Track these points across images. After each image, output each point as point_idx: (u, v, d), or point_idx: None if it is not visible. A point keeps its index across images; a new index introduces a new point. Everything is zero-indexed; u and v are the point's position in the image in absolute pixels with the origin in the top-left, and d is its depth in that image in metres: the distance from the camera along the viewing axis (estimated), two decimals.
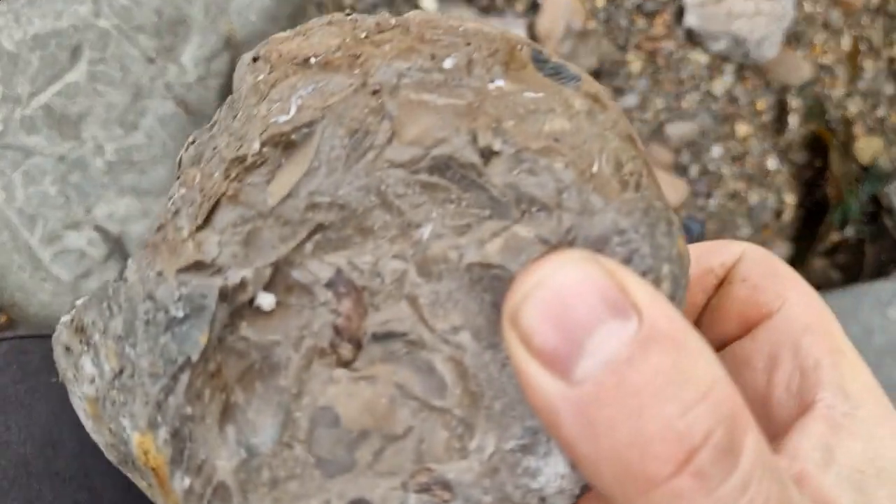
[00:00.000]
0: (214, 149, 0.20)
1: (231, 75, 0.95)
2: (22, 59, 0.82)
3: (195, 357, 0.18)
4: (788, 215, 1.11)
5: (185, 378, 0.19)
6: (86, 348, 0.21)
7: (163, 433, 0.19)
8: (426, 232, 0.19)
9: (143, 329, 0.19)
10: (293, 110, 0.19)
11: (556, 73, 0.20)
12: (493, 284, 0.18)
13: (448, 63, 0.19)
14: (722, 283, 0.25)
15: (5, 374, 0.42)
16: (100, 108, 0.84)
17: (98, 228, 0.83)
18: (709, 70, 1.03)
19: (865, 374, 0.22)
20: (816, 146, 1.13)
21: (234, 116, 0.20)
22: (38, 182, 0.82)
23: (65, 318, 0.22)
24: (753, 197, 1.04)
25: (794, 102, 1.10)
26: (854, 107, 1.16)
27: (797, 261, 1.13)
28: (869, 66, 1.15)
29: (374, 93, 0.19)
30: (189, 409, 0.19)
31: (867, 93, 1.17)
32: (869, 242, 1.18)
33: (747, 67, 1.05)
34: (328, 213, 0.19)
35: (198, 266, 0.19)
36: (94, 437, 0.21)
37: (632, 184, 0.19)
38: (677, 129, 0.99)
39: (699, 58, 1.03)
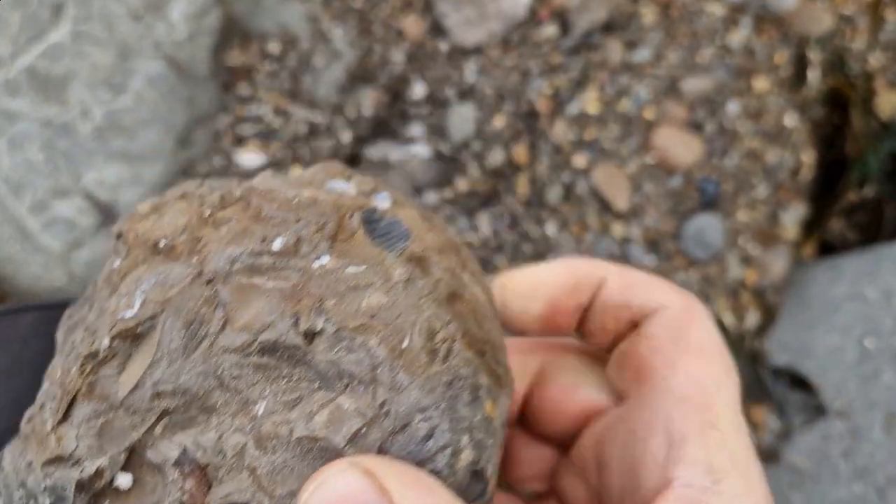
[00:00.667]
0: (73, 343, 0.22)
1: (222, 31, 0.88)
2: (2, 18, 0.77)
3: None
4: (806, 174, 1.07)
5: None
6: None
7: None
8: (261, 408, 0.21)
9: None
10: (137, 305, 0.21)
11: (386, 234, 0.22)
12: (321, 454, 0.20)
13: (277, 244, 0.21)
14: (637, 324, 0.25)
15: (32, 346, 0.41)
16: (86, 70, 0.80)
17: (88, 196, 0.80)
18: (725, 22, 0.97)
19: (736, 446, 0.22)
20: (836, 101, 1.08)
21: (90, 307, 0.22)
22: (24, 149, 0.78)
23: None
24: (770, 155, 1.00)
25: (813, 55, 1.04)
26: (875, 60, 1.11)
27: (814, 221, 1.09)
28: (891, 16, 1.10)
29: (209, 282, 0.21)
30: None
31: (889, 45, 1.11)
32: (888, 201, 1.13)
33: (765, 18, 1.00)
34: (172, 398, 0.21)
35: (59, 459, 0.21)
36: None
37: (441, 353, 0.21)
38: (692, 85, 0.94)
39: (715, 9, 0.97)
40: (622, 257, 0.90)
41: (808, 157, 1.07)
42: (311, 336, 0.20)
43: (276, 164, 0.87)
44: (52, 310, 0.45)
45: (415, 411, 0.20)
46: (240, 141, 0.87)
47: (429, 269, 0.22)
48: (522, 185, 0.91)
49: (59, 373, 0.22)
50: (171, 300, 0.21)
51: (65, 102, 0.79)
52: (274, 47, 0.88)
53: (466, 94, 0.92)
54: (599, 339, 0.28)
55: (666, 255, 0.92)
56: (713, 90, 0.95)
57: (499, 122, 0.92)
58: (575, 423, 0.28)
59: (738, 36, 0.97)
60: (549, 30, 0.92)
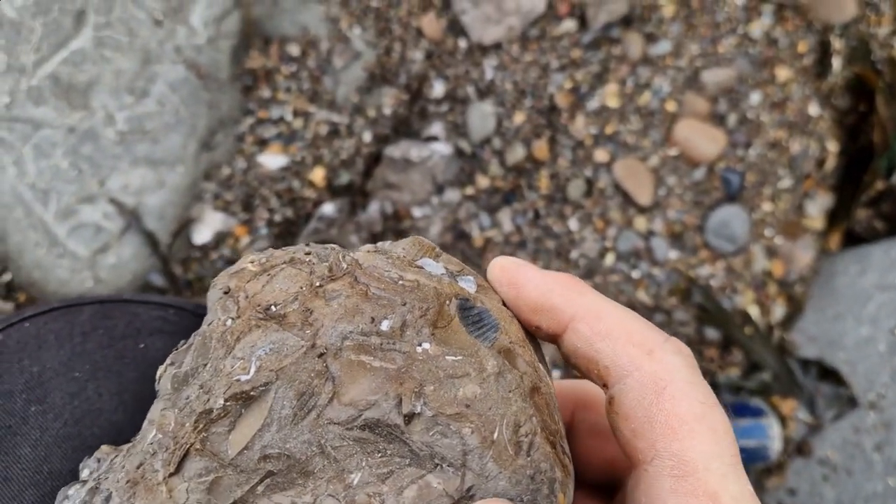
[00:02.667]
0: (187, 399, 0.23)
1: (242, 34, 0.87)
2: (24, 26, 0.77)
3: None
4: (831, 164, 1.04)
5: None
6: None
7: None
8: (356, 478, 0.22)
9: None
10: (253, 370, 0.22)
11: (478, 323, 0.24)
12: None
13: (385, 325, 0.23)
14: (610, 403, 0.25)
15: (92, 340, 0.41)
16: (108, 76, 0.79)
17: (113, 201, 0.79)
18: (746, 11, 0.95)
19: None
20: (861, 89, 1.05)
21: (205, 365, 0.23)
22: (49, 155, 0.78)
23: None
24: (795, 145, 0.97)
25: (837, 43, 1.02)
26: None
27: (840, 211, 1.06)
28: None
29: (321, 356, 0.22)
30: None
31: None
32: None
33: (787, 7, 0.98)
34: (277, 462, 0.22)
35: None
36: None
37: (525, 447, 0.23)
38: (714, 76, 0.92)
39: None
40: (646, 251, 0.89)
41: (833, 147, 1.04)
42: (409, 417, 0.22)
43: (298, 165, 0.86)
44: (109, 303, 0.44)
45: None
46: (262, 143, 0.86)
47: (515, 363, 0.24)
48: (544, 180, 0.89)
49: (173, 425, 0.23)
50: (285, 369, 0.22)
51: (88, 108, 0.79)
52: (294, 49, 0.88)
53: (486, 91, 0.91)
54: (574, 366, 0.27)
55: (691, 248, 0.90)
56: (735, 81, 0.93)
57: (519, 118, 0.90)
58: (604, 475, 0.28)
59: (760, 25, 0.95)
60: (568, 24, 0.91)
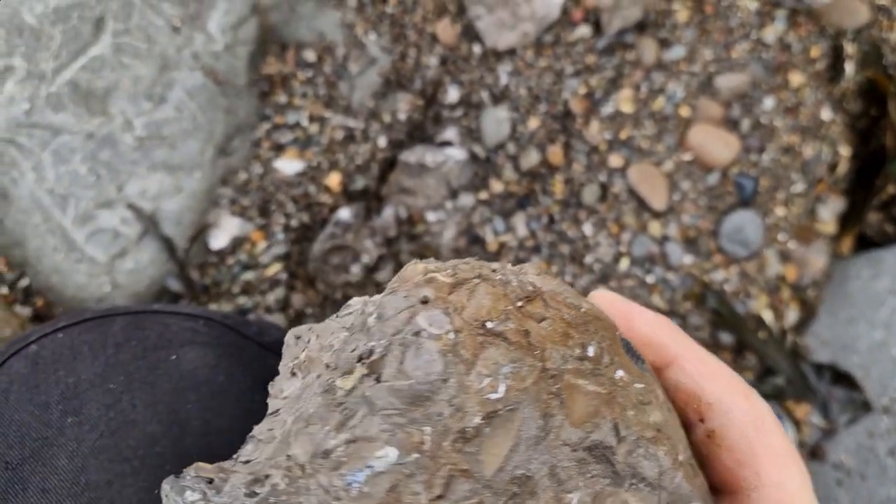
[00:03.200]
0: (440, 416, 0.22)
1: (259, 40, 0.87)
2: (44, 33, 0.77)
3: None
4: (843, 168, 1.04)
5: None
6: None
7: None
8: (574, 499, 0.22)
9: None
10: (502, 389, 0.22)
11: (630, 352, 0.25)
12: None
13: (590, 351, 0.23)
14: (711, 434, 0.27)
15: (125, 351, 0.41)
16: (126, 82, 0.79)
17: (131, 206, 0.79)
18: (759, 16, 0.95)
19: None
20: (873, 94, 1.05)
21: (445, 381, 0.22)
22: (68, 161, 0.78)
23: None
24: (807, 150, 0.97)
25: (849, 48, 1.01)
26: None
27: (852, 215, 1.06)
28: None
29: (552, 377, 0.22)
30: None
31: None
32: None
33: (800, 12, 0.97)
34: (519, 483, 0.22)
35: None
36: None
37: (695, 467, 0.25)
38: (727, 81, 0.91)
39: (749, 3, 0.95)
40: (661, 255, 0.88)
41: (846, 151, 1.04)
42: (620, 440, 0.23)
43: (314, 170, 0.86)
44: (142, 314, 0.44)
45: None
46: (278, 148, 0.86)
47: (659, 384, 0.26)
48: (558, 185, 0.89)
49: (429, 443, 0.22)
50: (528, 390, 0.22)
51: (107, 115, 0.79)
52: (310, 55, 0.88)
53: (501, 96, 0.90)
54: None
55: (705, 252, 0.89)
56: (749, 86, 0.93)
57: (533, 123, 0.90)
58: None
59: (773, 30, 0.95)
60: (583, 30, 0.90)
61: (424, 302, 0.22)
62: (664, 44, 0.92)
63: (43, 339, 0.39)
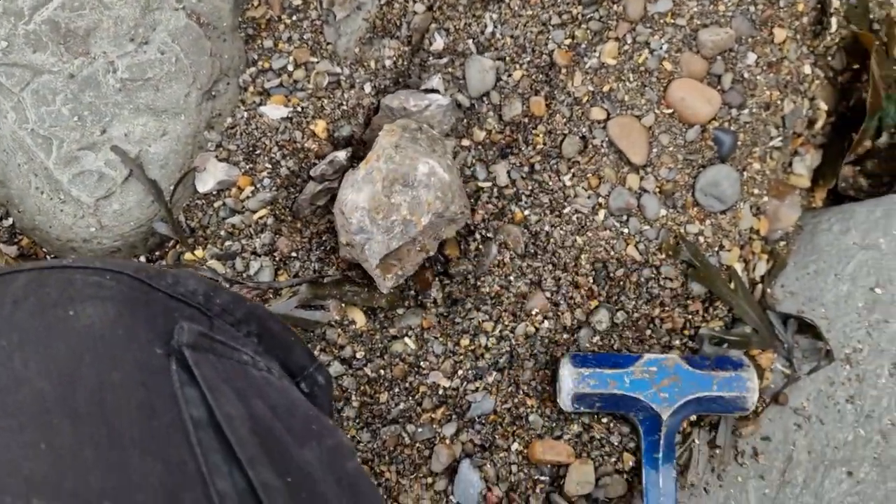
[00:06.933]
0: None
1: None
2: None
3: None
4: (821, 122, 1.00)
5: None
6: None
7: None
8: None
9: None
10: None
11: None
12: None
13: None
14: None
15: (22, 308, 0.39)
16: (108, 22, 0.74)
17: (115, 149, 0.75)
18: None
19: None
20: (856, 50, 1.00)
21: None
22: (50, 102, 0.73)
23: None
24: (788, 105, 0.93)
25: (835, 1, 0.96)
26: None
27: (827, 169, 1.03)
28: None
29: None
30: None
31: None
32: None
33: None
34: None
35: None
36: None
37: None
38: (712, 35, 0.87)
39: None
40: (638, 208, 0.85)
41: (825, 106, 1.00)
42: None
43: (300, 116, 0.82)
44: (47, 270, 0.42)
45: None
46: (264, 93, 0.82)
47: None
48: (540, 136, 0.85)
49: None
50: None
51: (88, 55, 0.74)
52: None
53: (486, 45, 0.86)
54: None
55: (681, 206, 0.87)
56: (733, 40, 0.88)
57: (517, 73, 0.85)
58: None
59: None
60: None
61: None
62: None
63: None
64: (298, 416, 0.46)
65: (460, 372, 0.82)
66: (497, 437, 0.82)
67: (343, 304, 0.80)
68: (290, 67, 0.82)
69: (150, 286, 0.44)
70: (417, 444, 0.81)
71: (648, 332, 0.86)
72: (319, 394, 0.57)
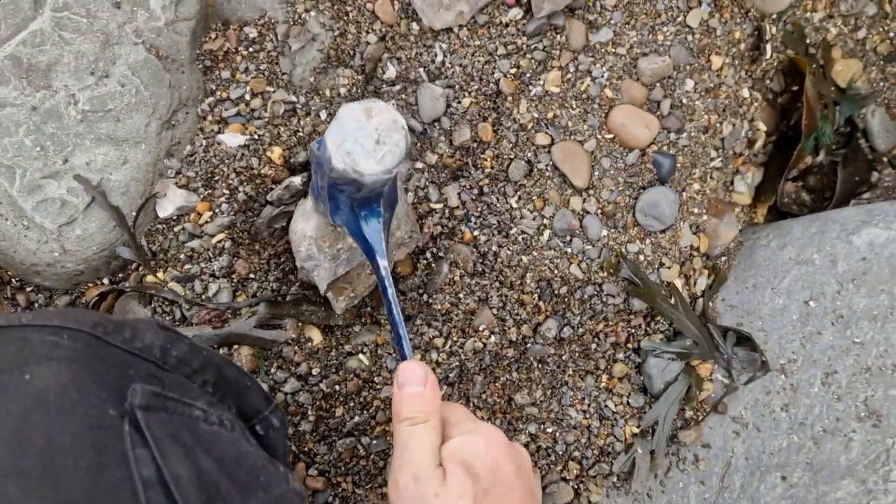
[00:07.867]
0: None
1: (200, 17, 0.84)
2: None
3: None
4: (761, 144, 1.04)
5: None
6: None
7: None
8: None
9: None
10: None
11: None
12: None
13: None
14: None
15: None
16: (69, 57, 0.77)
17: (78, 177, 0.78)
18: (686, 1, 0.93)
19: None
20: (794, 71, 1.04)
21: None
22: (13, 133, 0.76)
23: None
24: (727, 127, 0.97)
25: (772, 29, 1.00)
26: (834, 29, 1.07)
27: (767, 186, 1.07)
28: None
29: None
30: None
31: (848, 14, 1.07)
32: (842, 166, 1.11)
33: None
34: None
35: None
36: None
37: None
38: (651, 63, 0.90)
39: None
40: (580, 229, 0.89)
41: (764, 127, 1.04)
42: None
43: (257, 143, 0.85)
44: (5, 329, 0.43)
45: None
46: (222, 122, 0.85)
47: None
48: (488, 160, 0.89)
49: None
50: None
51: (50, 88, 0.77)
52: (251, 32, 0.85)
53: (437, 74, 0.89)
54: None
55: (622, 226, 0.90)
56: (671, 68, 0.92)
57: (466, 101, 0.89)
58: None
59: (699, 14, 0.93)
60: (515, 12, 0.88)
61: None
62: (592, 26, 0.90)
63: None
64: (245, 467, 0.48)
65: None
66: None
67: (300, 323, 0.83)
68: (248, 97, 0.85)
69: (106, 342, 0.45)
70: (372, 456, 0.84)
71: (594, 346, 0.89)
72: (274, 436, 0.59)
